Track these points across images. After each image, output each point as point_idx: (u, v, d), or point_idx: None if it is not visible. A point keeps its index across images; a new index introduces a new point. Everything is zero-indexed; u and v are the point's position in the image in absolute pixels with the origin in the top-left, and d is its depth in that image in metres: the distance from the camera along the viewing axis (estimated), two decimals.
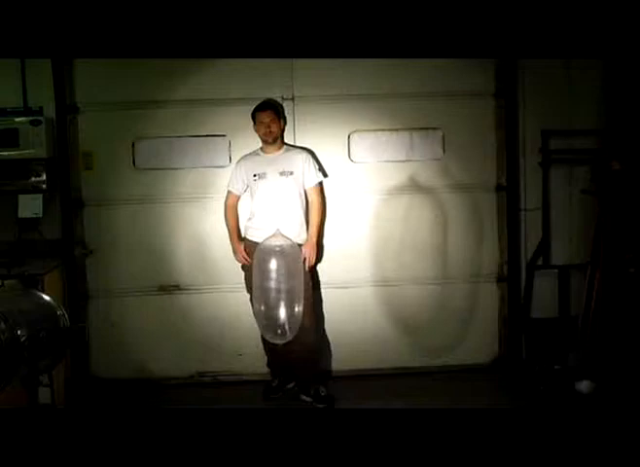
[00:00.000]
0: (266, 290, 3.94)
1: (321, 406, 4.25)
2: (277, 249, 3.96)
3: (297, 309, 3.93)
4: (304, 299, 4.02)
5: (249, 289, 4.33)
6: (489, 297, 4.72)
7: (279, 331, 3.95)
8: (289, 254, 4.00)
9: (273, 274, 3.94)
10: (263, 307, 3.96)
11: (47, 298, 2.28)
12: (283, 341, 3.96)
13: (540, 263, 4.64)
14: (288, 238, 4.02)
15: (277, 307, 3.93)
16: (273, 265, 3.95)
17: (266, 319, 3.98)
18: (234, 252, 4.34)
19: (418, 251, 4.66)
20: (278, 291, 3.93)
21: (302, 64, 4.52)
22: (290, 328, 3.93)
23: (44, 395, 4.11)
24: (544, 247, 4.64)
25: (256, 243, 4.16)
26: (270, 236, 4.00)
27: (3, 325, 1.94)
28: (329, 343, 4.69)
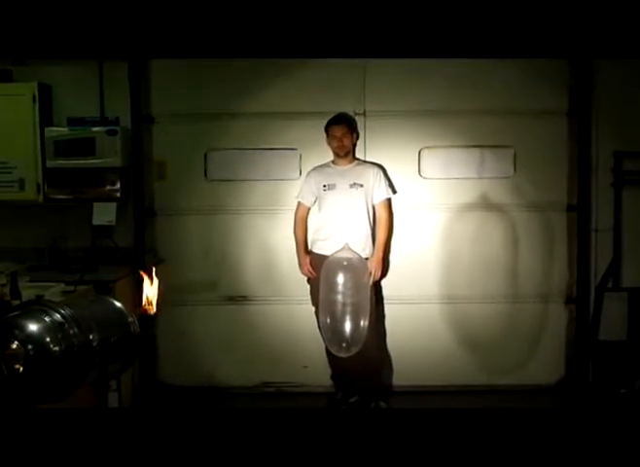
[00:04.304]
0: (332, 303, 3.96)
1: None
2: (345, 263, 3.98)
3: (362, 324, 3.95)
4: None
5: (314, 302, 4.35)
6: (557, 317, 4.67)
7: (344, 344, 3.97)
8: (356, 268, 4.02)
9: (340, 288, 3.97)
10: (328, 320, 3.98)
11: (118, 304, 2.32)
12: (348, 355, 3.98)
13: (610, 285, 4.58)
14: (356, 253, 4.03)
15: (343, 321, 3.95)
16: (340, 278, 3.97)
17: (332, 332, 4.00)
18: (300, 265, 4.37)
19: (487, 269, 4.63)
20: (345, 304, 3.96)
21: (373, 79, 4.55)
22: (355, 342, 3.94)
23: (112, 399, 4.22)
24: (614, 269, 4.57)
25: (322, 256, 4.19)
26: (339, 250, 4.02)
27: (76, 329, 1.98)
28: (391, 359, 4.68)
